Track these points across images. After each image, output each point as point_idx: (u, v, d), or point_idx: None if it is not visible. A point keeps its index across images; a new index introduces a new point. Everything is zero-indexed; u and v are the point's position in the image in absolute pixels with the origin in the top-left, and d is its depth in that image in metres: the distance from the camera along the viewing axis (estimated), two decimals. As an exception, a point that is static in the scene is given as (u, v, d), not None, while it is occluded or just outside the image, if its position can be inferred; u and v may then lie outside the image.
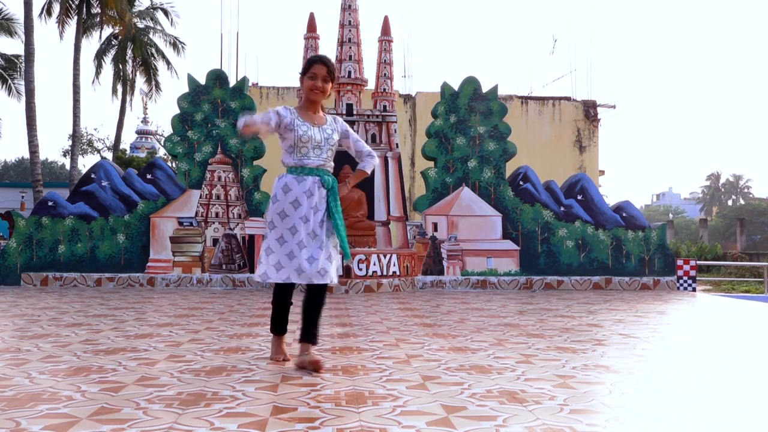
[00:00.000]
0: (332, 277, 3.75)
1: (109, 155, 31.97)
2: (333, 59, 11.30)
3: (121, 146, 30.97)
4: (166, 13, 28.48)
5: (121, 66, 27.97)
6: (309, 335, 3.78)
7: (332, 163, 3.89)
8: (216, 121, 10.72)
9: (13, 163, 52.72)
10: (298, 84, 11.73)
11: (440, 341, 4.88)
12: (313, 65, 3.81)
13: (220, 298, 8.49)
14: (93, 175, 10.78)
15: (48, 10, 23.15)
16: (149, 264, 10.38)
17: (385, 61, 11.44)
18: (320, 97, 3.83)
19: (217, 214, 10.61)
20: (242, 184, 10.69)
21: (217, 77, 10.93)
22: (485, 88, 11.13)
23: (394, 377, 3.56)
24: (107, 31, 26.35)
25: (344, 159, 10.80)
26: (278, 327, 4.00)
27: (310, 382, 3.41)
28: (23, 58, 21.15)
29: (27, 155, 25.41)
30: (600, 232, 10.84)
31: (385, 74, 11.38)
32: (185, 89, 10.93)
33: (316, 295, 3.81)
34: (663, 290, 10.60)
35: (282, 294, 3.90)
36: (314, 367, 3.63)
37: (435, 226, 10.74)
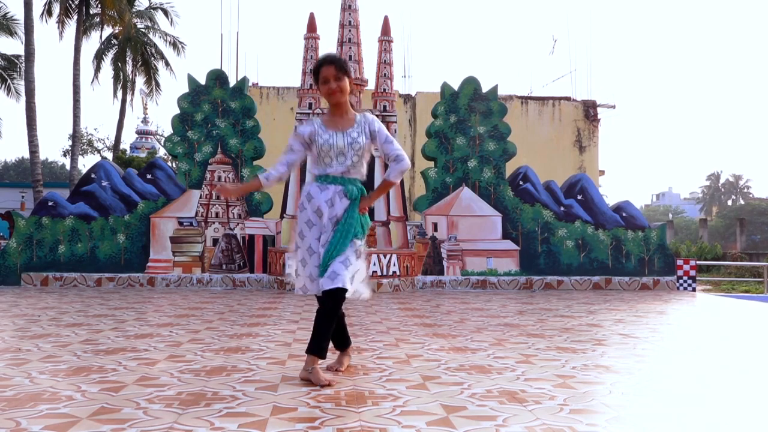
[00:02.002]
0: (344, 281, 3.36)
1: (109, 155, 31.97)
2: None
3: (121, 146, 30.99)
4: (165, 13, 28.49)
5: (120, 66, 27.98)
6: (313, 347, 3.45)
7: (362, 170, 3.60)
8: (216, 121, 10.72)
9: (13, 163, 52.72)
10: (298, 84, 11.76)
11: (440, 341, 4.88)
12: (321, 69, 3.55)
13: (220, 298, 8.49)
14: (93, 175, 10.78)
15: (48, 11, 23.16)
16: (149, 264, 10.38)
17: (385, 61, 11.44)
18: (341, 97, 3.54)
19: (217, 214, 10.61)
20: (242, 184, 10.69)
21: (217, 77, 10.93)
22: (485, 88, 11.13)
23: (394, 377, 3.56)
24: (107, 31, 26.37)
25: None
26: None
27: (310, 382, 3.41)
28: (23, 58, 21.15)
29: (27, 155, 25.42)
30: (600, 232, 10.84)
31: (385, 74, 11.38)
32: (185, 89, 10.93)
33: (325, 302, 3.43)
34: (663, 290, 10.60)
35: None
36: (319, 383, 3.36)
37: (435, 226, 10.75)
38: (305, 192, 3.59)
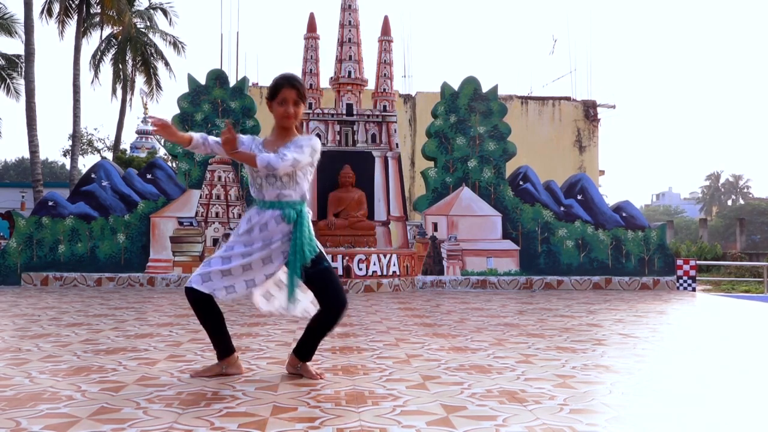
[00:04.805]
0: (293, 309, 3.51)
1: (109, 155, 31.96)
2: (333, 59, 11.34)
3: (121, 146, 30.99)
4: (165, 13, 28.49)
5: (120, 66, 27.98)
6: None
7: (300, 189, 3.45)
8: (216, 121, 10.72)
9: (13, 163, 52.69)
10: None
11: (440, 341, 4.88)
12: (282, 90, 3.43)
13: (220, 298, 8.48)
14: (93, 175, 10.78)
15: (48, 10, 23.15)
16: (149, 264, 10.38)
17: (385, 61, 11.44)
18: (292, 123, 3.48)
19: (217, 214, 10.61)
20: (242, 184, 10.70)
21: (217, 77, 10.93)
22: (485, 88, 11.14)
23: (394, 377, 3.56)
24: (107, 30, 26.39)
25: (345, 158, 10.83)
26: (222, 348, 3.56)
27: (310, 382, 3.41)
28: (23, 58, 21.16)
29: (27, 155, 25.42)
30: (600, 232, 10.84)
31: (385, 74, 11.38)
32: (185, 89, 10.94)
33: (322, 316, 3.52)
34: (663, 290, 10.60)
35: (200, 307, 3.45)
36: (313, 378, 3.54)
37: (435, 226, 10.75)
38: (245, 217, 3.53)
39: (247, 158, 3.36)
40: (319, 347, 4.30)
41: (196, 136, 3.50)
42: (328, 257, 3.66)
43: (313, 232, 3.52)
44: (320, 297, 3.46)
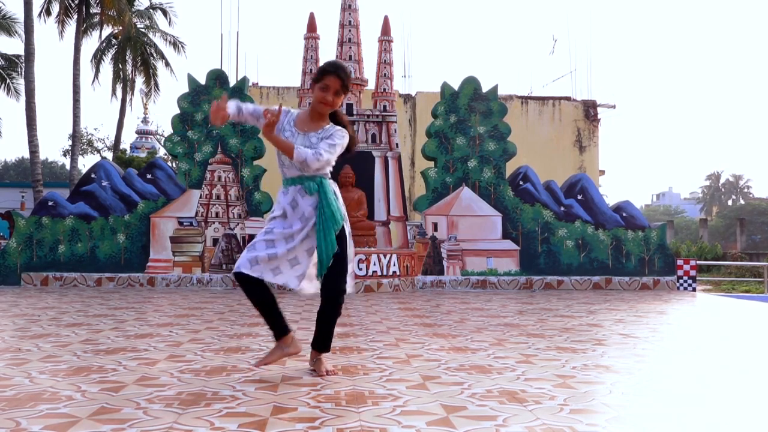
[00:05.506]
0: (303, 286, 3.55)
1: (109, 155, 31.96)
2: (333, 59, 11.33)
3: (121, 146, 30.98)
4: (165, 13, 28.48)
5: (120, 66, 27.97)
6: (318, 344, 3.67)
7: (321, 172, 3.53)
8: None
9: (13, 163, 52.68)
10: (298, 84, 11.75)
11: (440, 341, 4.88)
12: (327, 76, 3.48)
13: (220, 298, 8.49)
14: (93, 175, 10.78)
15: (47, 10, 23.12)
16: (149, 264, 10.38)
17: (385, 61, 11.44)
18: (328, 110, 3.54)
19: (217, 214, 10.61)
20: (242, 184, 10.70)
21: (217, 77, 10.93)
22: (485, 88, 11.13)
23: (394, 377, 3.56)
24: (107, 30, 26.38)
25: (345, 158, 10.82)
26: (278, 328, 3.62)
27: (310, 382, 3.41)
28: (23, 58, 21.15)
29: (27, 155, 25.41)
30: (600, 232, 10.84)
31: (385, 74, 11.39)
32: (185, 89, 10.94)
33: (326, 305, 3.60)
34: (663, 290, 10.60)
35: (251, 290, 3.53)
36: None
37: (435, 226, 10.75)
38: (277, 198, 3.64)
39: (285, 147, 3.45)
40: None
41: (230, 109, 3.49)
42: None
43: (341, 202, 3.59)
44: (324, 280, 3.55)
